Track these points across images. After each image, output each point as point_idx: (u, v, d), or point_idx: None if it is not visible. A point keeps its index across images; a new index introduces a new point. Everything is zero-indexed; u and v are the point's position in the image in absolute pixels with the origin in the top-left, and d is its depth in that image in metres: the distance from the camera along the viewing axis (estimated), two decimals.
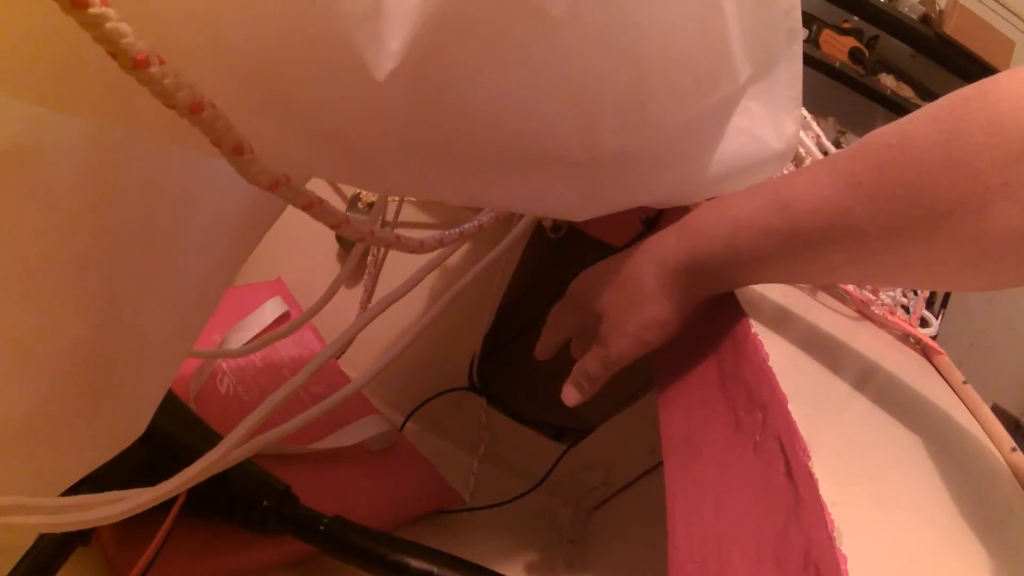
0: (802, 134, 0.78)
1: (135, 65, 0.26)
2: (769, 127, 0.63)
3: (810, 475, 0.34)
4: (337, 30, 0.31)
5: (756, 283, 0.54)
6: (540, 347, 0.71)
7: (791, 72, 0.63)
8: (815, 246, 0.45)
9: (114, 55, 0.26)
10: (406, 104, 0.35)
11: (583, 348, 0.64)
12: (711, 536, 0.41)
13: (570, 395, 0.63)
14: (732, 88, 0.55)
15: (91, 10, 0.24)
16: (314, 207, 0.36)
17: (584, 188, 0.52)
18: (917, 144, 0.39)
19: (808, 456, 0.35)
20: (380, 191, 0.92)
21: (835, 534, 0.30)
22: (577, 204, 0.53)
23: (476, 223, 0.59)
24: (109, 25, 0.25)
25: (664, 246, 0.55)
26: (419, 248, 0.50)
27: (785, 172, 0.81)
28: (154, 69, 0.27)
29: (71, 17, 0.24)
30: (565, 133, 0.45)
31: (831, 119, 3.11)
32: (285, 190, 0.33)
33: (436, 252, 0.62)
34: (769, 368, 0.44)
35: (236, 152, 0.30)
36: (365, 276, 1.18)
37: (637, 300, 0.56)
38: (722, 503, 0.42)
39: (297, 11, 0.30)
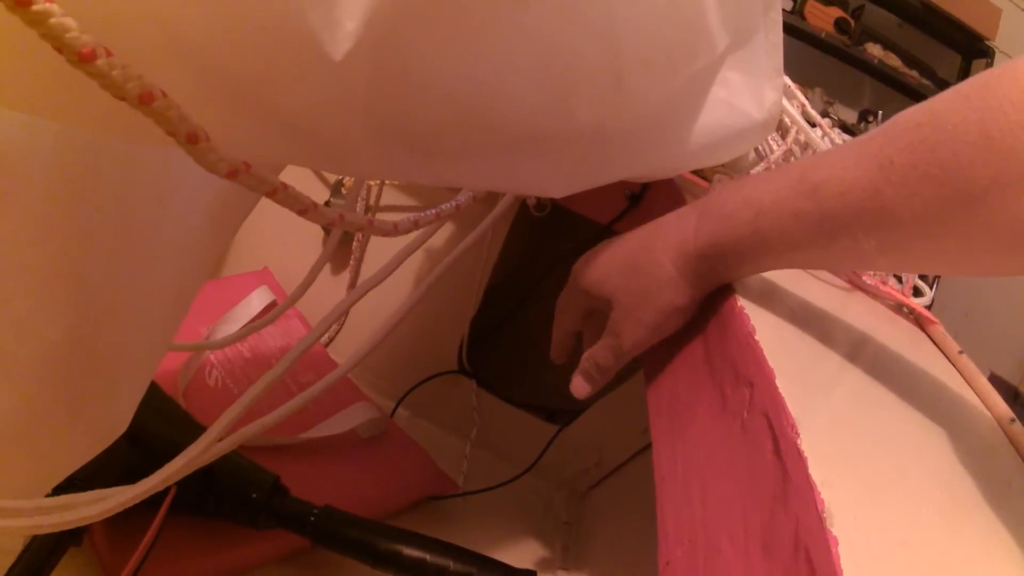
0: (786, 103, 0.77)
1: (81, 59, 0.26)
2: (749, 97, 0.62)
3: (799, 454, 0.33)
4: (291, 12, 0.30)
5: (780, 269, 0.52)
6: (554, 345, 0.68)
7: (771, 40, 0.62)
8: (845, 231, 0.43)
9: (60, 50, 0.25)
10: (366, 85, 0.34)
11: (593, 335, 0.61)
12: (699, 519, 0.40)
13: (580, 388, 0.60)
14: (709, 59, 0.54)
15: (34, 7, 0.24)
16: (278, 193, 0.35)
17: (561, 165, 0.51)
18: (950, 123, 0.38)
19: (796, 433, 0.34)
20: (350, 175, 0.91)
21: (825, 516, 0.29)
22: (555, 181, 0.52)
23: (454, 203, 0.58)
24: (53, 21, 0.25)
25: (682, 229, 0.52)
26: (393, 231, 0.49)
27: (771, 142, 0.81)
28: (100, 62, 0.26)
29: (15, 16, 0.24)
30: (536, 111, 0.44)
31: (818, 90, 3.09)
32: (245, 177, 0.33)
33: (415, 234, 0.61)
34: (756, 342, 0.43)
35: (191, 141, 0.30)
36: (351, 262, 1.18)
37: (653, 286, 0.53)
38: (710, 485, 0.41)
39: None
